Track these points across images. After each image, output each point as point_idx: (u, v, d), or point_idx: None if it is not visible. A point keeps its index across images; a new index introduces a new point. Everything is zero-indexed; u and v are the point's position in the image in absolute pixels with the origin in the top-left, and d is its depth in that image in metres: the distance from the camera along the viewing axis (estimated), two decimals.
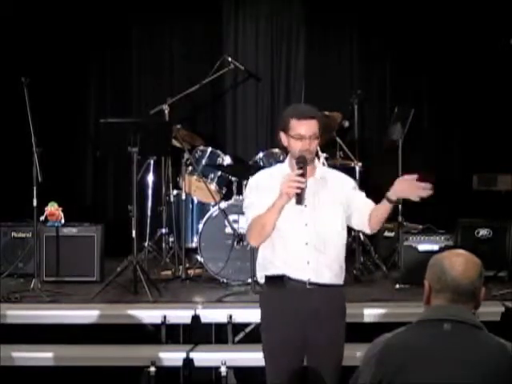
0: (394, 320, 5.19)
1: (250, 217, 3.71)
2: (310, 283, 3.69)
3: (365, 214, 3.74)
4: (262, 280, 3.83)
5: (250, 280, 6.06)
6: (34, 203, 6.01)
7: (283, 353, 3.71)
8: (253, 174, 3.87)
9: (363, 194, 3.84)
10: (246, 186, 6.58)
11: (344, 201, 3.75)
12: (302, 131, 3.64)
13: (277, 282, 3.72)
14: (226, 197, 6.97)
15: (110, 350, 5.38)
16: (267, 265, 3.76)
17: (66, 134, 8.11)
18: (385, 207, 3.66)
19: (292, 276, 3.69)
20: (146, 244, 7.05)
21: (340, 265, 3.79)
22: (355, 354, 4.62)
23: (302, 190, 3.55)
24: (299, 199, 3.56)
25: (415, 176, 3.56)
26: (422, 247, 6.40)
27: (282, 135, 3.73)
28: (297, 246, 3.69)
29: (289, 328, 3.68)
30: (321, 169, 3.85)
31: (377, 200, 3.71)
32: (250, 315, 5.28)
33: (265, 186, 3.73)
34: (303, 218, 3.68)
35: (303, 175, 3.56)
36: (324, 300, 3.69)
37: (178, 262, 6.78)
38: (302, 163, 3.60)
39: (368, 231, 3.85)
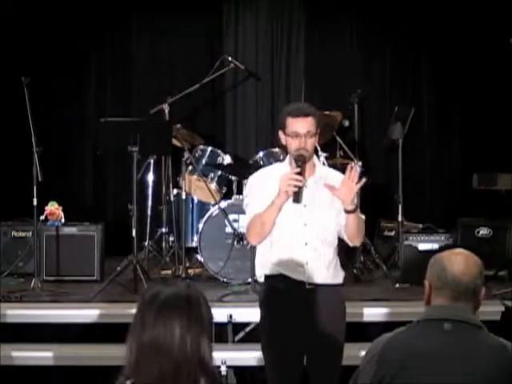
0: (394, 319, 5.19)
1: (249, 215, 3.70)
2: (310, 283, 3.68)
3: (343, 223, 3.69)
4: (261, 279, 3.83)
5: (249, 279, 6.04)
6: (34, 202, 6.01)
7: (282, 353, 3.70)
8: (253, 173, 3.86)
9: None
10: (246, 185, 6.60)
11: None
12: (297, 129, 3.62)
13: (276, 281, 3.71)
14: (226, 196, 6.96)
15: (110, 350, 5.36)
16: (266, 264, 3.75)
17: (66, 133, 8.10)
18: (348, 220, 3.61)
19: (291, 276, 3.68)
20: (146, 243, 7.05)
21: (337, 264, 3.78)
22: (355, 353, 4.61)
23: (300, 188, 3.54)
24: (296, 197, 3.55)
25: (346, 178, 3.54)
26: (422, 246, 6.40)
27: (281, 134, 3.72)
28: (296, 246, 3.68)
29: (288, 328, 3.67)
30: (320, 168, 3.82)
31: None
32: (250, 315, 5.26)
33: (264, 185, 3.72)
34: (302, 217, 3.67)
35: (301, 173, 3.55)
36: (323, 300, 3.68)
37: (178, 261, 6.77)
38: (301, 161, 3.59)
39: (350, 244, 3.81)
